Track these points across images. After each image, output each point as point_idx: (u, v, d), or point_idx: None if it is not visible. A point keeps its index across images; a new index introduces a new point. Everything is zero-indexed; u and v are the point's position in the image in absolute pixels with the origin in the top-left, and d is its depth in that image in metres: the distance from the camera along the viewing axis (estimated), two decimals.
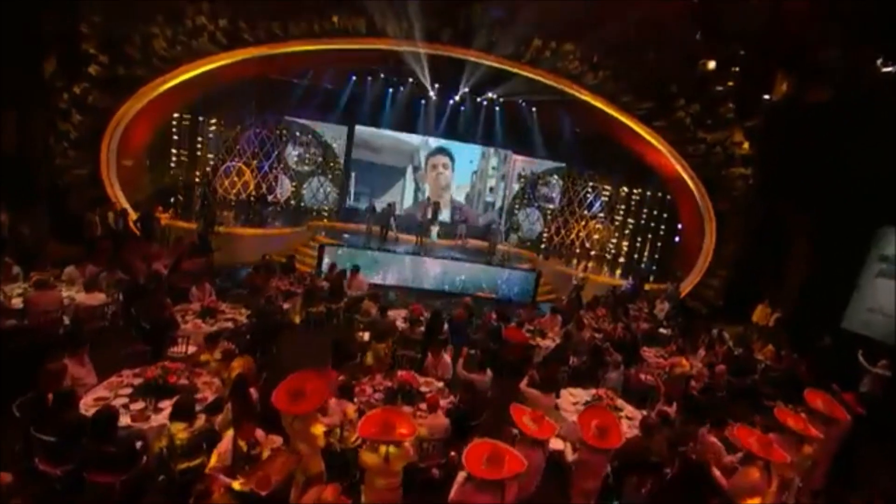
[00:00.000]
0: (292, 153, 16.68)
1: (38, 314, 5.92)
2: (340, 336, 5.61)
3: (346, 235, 14.83)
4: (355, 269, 9.80)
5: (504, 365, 7.45)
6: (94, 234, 10.11)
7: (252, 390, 4.44)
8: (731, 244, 12.95)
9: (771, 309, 11.14)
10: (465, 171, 17.47)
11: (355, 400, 4.84)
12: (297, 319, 8.68)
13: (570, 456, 4.34)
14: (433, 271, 13.10)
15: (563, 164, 17.55)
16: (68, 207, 10.67)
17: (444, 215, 17.07)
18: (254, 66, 12.48)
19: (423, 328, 7.20)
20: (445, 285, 13.03)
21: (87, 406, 4.22)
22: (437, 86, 14.67)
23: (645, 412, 5.72)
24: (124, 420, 4.14)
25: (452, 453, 4.36)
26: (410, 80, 14.63)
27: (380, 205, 15.41)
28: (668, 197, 16.11)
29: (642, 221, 17.09)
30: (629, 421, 5.51)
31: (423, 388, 5.43)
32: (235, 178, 16.31)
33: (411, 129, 16.60)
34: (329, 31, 11.25)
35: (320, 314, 8.59)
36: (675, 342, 8.44)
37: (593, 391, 6.04)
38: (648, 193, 16.86)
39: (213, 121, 15.11)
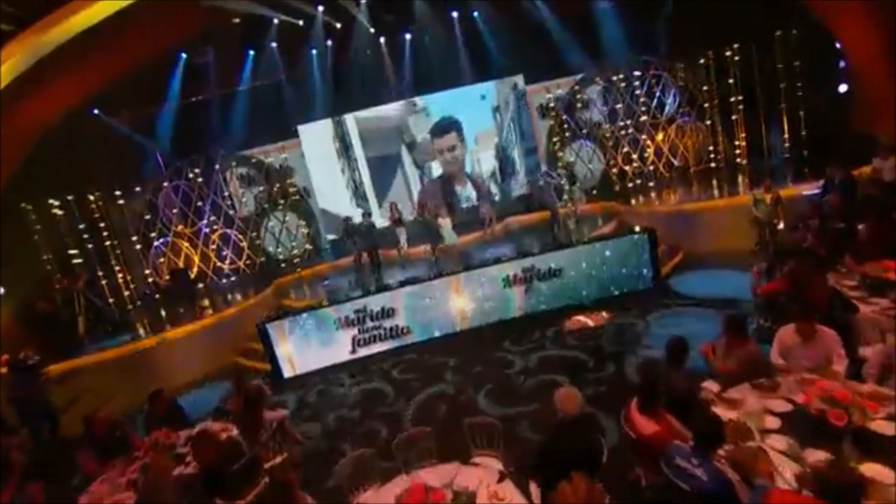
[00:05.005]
0: (229, 197, 11.85)
1: None
2: None
3: (326, 281, 9.66)
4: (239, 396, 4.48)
5: None
6: None
7: None
8: None
9: None
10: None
11: None
12: None
13: None
14: (466, 298, 7.01)
15: (599, 65, 11.45)
16: None
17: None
18: (75, 84, 7.65)
19: None
20: (511, 313, 7.01)
21: None
22: (359, 6, 9.25)
23: None
24: None
25: None
26: (320, 11, 9.23)
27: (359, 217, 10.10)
28: (794, 31, 9.69)
29: (757, 89, 10.57)
30: None
31: None
32: (174, 258, 11.65)
33: (373, 101, 11.29)
34: None
35: None
36: None
37: None
38: (754, 47, 10.28)
39: (95, 195, 10.32)
